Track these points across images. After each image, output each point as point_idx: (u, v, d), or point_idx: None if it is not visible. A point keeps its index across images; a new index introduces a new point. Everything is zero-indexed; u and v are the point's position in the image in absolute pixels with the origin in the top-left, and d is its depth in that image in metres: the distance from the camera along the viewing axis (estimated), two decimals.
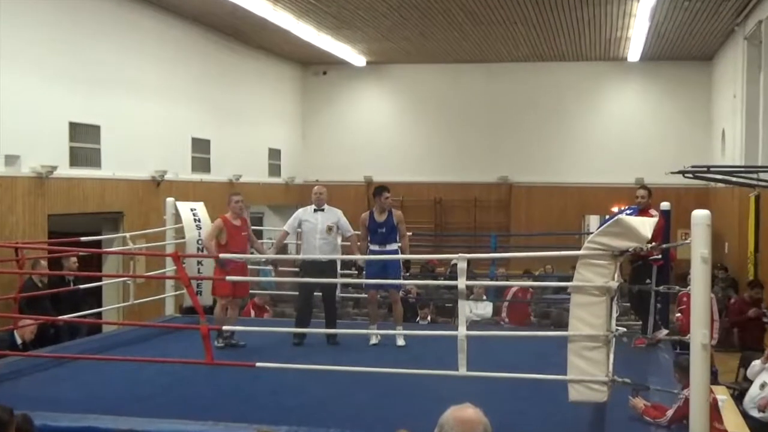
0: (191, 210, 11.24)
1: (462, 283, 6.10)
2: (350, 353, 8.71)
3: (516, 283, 12.77)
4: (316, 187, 9.67)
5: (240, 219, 9.28)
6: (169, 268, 10.95)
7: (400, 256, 9.02)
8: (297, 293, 10.13)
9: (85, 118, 13.67)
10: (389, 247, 9.19)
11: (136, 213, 14.83)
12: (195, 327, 7.14)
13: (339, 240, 9.84)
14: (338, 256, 9.87)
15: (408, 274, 9.93)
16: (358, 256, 9.11)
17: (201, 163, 17.67)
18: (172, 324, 10.39)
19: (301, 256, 9.67)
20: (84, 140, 13.67)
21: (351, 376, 7.08)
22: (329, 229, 9.39)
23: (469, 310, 12.68)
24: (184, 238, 11.05)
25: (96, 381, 7.52)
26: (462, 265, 6.09)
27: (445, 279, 15.00)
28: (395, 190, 9.85)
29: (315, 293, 9.67)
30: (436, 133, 22.80)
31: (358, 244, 9.45)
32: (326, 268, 9.25)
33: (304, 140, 23.52)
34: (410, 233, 9.76)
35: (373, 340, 9.19)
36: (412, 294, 13.30)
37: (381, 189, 9.38)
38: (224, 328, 8.33)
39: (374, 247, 9.21)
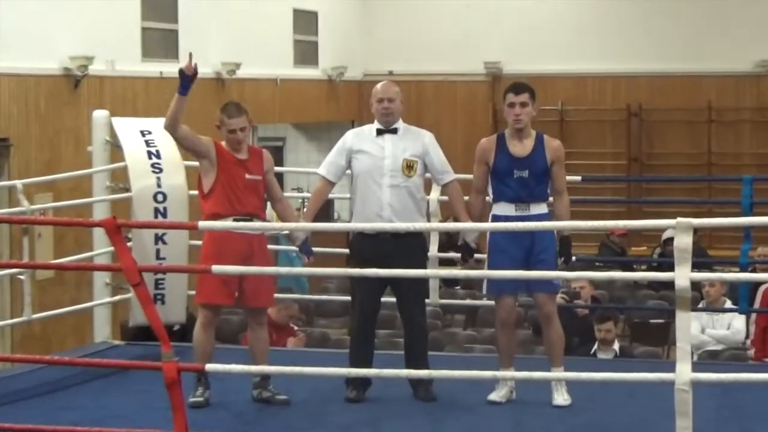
0: (142, 134, 11.33)
1: (684, 276, 6.08)
2: (459, 419, 8.78)
3: None
4: (379, 86, 9.64)
5: (249, 152, 9.33)
6: (101, 250, 11.09)
7: (555, 224, 8.96)
8: (349, 299, 10.21)
9: None
10: (534, 211, 9.18)
11: (35, 141, 15.08)
12: (153, 366, 7.23)
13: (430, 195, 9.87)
14: (427, 224, 9.90)
15: (574, 260, 9.90)
16: (468, 224, 9.08)
17: (160, 42, 17.89)
18: (108, 360, 10.54)
19: (352, 225, 9.70)
20: None
21: None
22: (408, 167, 9.37)
23: (700, 328, 12.63)
24: (129, 190, 11.18)
25: None
26: (684, 241, 6.07)
27: (647, 269, 14.95)
28: (548, 90, 9.81)
29: (383, 299, 9.72)
30: None
31: (469, 198, 9.43)
32: (401, 246, 9.26)
33: None
34: (578, 178, 9.72)
35: (502, 395, 9.22)
36: (582, 298, 13.34)
37: (509, 89, 9.30)
38: (231, 368, 8.34)
39: (503, 209, 9.17)
